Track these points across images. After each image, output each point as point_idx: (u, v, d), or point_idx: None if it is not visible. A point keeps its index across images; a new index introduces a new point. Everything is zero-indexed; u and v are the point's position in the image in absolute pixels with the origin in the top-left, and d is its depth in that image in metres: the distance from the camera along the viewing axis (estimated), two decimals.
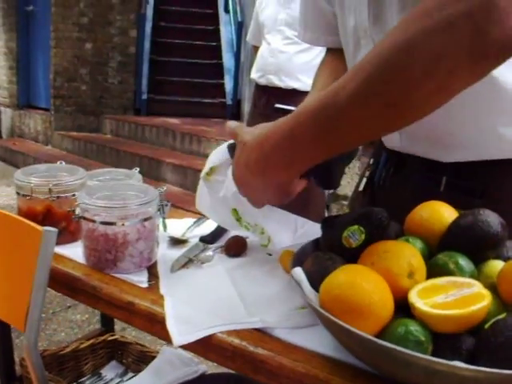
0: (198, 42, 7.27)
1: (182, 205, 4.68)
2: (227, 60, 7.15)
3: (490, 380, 0.65)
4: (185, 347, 0.91)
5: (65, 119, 6.76)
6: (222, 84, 7.01)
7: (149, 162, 5.25)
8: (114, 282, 1.07)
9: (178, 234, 1.32)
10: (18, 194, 1.26)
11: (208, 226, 1.35)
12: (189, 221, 1.42)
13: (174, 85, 6.92)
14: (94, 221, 1.09)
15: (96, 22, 6.54)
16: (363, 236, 0.85)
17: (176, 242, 1.29)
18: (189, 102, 6.81)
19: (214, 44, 7.33)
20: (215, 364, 0.94)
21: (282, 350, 0.85)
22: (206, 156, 4.56)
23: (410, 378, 0.72)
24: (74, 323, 3.18)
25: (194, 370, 1.57)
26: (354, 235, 0.85)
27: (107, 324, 1.86)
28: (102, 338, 1.76)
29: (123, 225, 1.09)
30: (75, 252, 1.18)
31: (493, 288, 0.82)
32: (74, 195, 1.24)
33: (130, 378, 1.70)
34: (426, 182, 1.08)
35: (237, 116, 6.73)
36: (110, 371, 1.75)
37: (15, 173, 1.28)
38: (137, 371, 1.72)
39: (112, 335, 1.79)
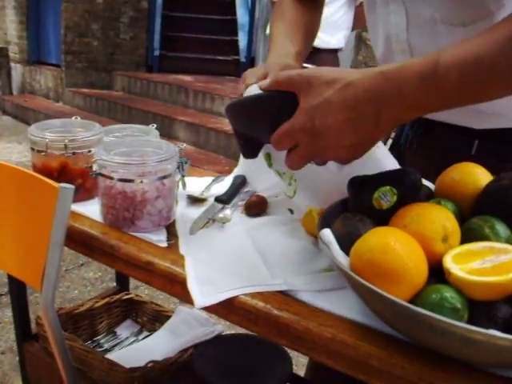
0: None
1: (195, 163, 4.66)
2: (241, 16, 7.01)
3: None
4: (206, 309, 0.88)
5: (76, 75, 6.69)
6: (236, 41, 6.89)
7: (161, 119, 5.20)
8: (133, 241, 1.04)
9: (196, 192, 1.29)
10: (32, 149, 1.23)
11: (225, 186, 1.32)
12: (207, 179, 1.39)
13: (186, 41, 6.82)
14: (111, 178, 1.06)
15: None
16: (395, 197, 0.81)
17: (194, 200, 1.26)
18: (202, 59, 6.72)
19: None
20: (231, 324, 0.92)
21: (307, 314, 0.82)
22: (219, 114, 4.54)
23: (444, 346, 0.69)
24: (87, 281, 3.19)
25: (210, 330, 1.55)
26: (385, 196, 0.81)
27: (122, 282, 1.85)
28: (117, 296, 1.75)
29: (142, 182, 1.05)
30: (92, 210, 1.15)
31: None
32: (89, 151, 1.21)
33: (144, 337, 1.69)
34: (457, 143, 1.04)
35: None
36: (124, 330, 1.75)
37: (29, 128, 1.24)
38: (151, 330, 1.71)
39: (127, 294, 1.77)
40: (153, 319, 1.74)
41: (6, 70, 7.63)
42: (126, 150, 1.12)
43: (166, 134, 5.04)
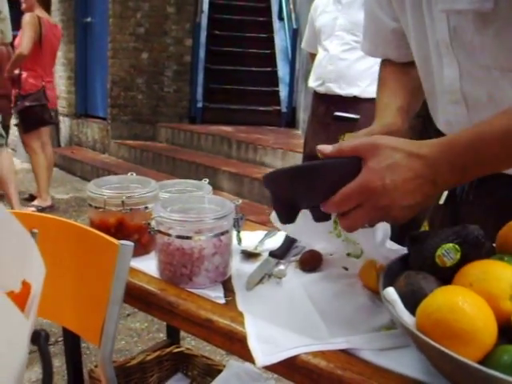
0: (251, 50, 7.28)
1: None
2: (281, 68, 7.13)
3: None
4: (268, 368, 0.88)
5: (121, 128, 6.85)
6: (277, 92, 6.99)
7: (205, 170, 5.26)
8: (191, 297, 1.05)
9: (250, 247, 1.29)
10: (90, 205, 1.26)
11: (277, 240, 1.32)
12: (260, 233, 1.40)
13: (228, 93, 6.94)
14: (169, 234, 1.08)
15: (152, 32, 6.62)
16: (459, 255, 0.80)
17: (249, 255, 1.26)
18: (243, 110, 6.81)
19: (268, 52, 7.32)
20: (282, 378, 0.91)
21: (371, 374, 0.81)
22: (262, 164, 4.58)
23: None
24: (134, 331, 3.19)
25: None
26: (448, 254, 0.81)
27: (172, 335, 1.85)
28: (168, 349, 1.75)
29: (199, 239, 1.07)
30: (149, 265, 1.17)
31: None
32: (146, 207, 1.23)
33: None
34: None
35: (292, 124, 6.70)
36: (175, 383, 1.74)
37: (88, 184, 1.28)
38: None
39: (177, 347, 1.77)
40: (203, 373, 1.73)
41: (56, 122, 7.88)
42: (183, 207, 1.14)
43: (210, 184, 5.08)
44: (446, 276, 0.80)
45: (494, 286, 0.74)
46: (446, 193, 1.18)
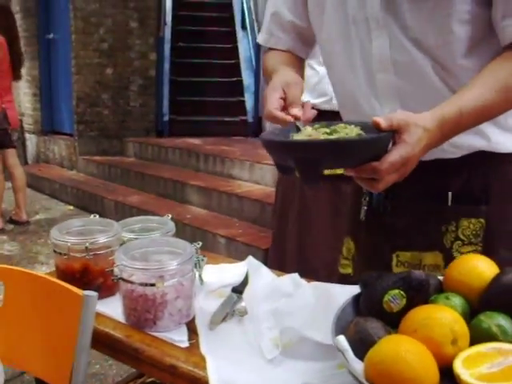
0: (216, 61, 7.31)
1: (209, 227, 4.70)
2: (246, 77, 7.17)
3: None
4: None
5: (88, 144, 6.82)
6: (243, 101, 7.02)
7: (173, 184, 5.27)
8: (155, 342, 1.08)
9: (213, 283, 1.33)
10: (54, 251, 1.28)
11: (240, 273, 1.36)
12: (223, 267, 1.43)
13: (194, 105, 6.95)
14: (132, 282, 1.11)
15: (116, 47, 6.60)
16: (404, 300, 0.85)
17: (212, 292, 1.30)
18: (210, 122, 6.84)
19: (233, 61, 7.36)
20: None
21: None
22: (229, 176, 4.55)
23: None
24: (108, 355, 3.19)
25: None
26: (395, 299, 0.86)
27: None
28: (141, 380, 1.77)
29: (162, 284, 1.10)
30: (115, 308, 1.20)
31: None
32: (109, 251, 1.26)
33: None
34: (430, 202, 1.22)
35: (258, 133, 6.73)
36: None
37: (51, 231, 1.30)
38: None
39: (149, 377, 1.79)
40: None
41: (21, 140, 7.80)
42: (145, 252, 1.17)
43: (179, 198, 5.11)
44: (394, 321, 0.85)
45: (436, 332, 0.79)
46: (364, 208, 1.32)
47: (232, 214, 4.66)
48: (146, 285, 1.10)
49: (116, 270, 1.14)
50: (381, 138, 0.99)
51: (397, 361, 0.74)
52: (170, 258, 1.13)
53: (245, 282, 1.31)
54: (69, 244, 1.24)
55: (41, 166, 7.55)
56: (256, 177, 5.06)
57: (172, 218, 1.46)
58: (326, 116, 3.36)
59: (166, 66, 7.01)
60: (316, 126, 1.09)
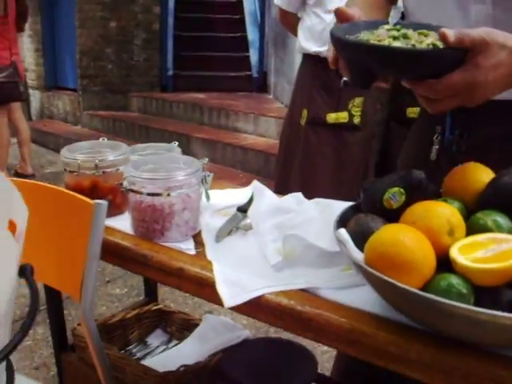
0: (221, 16, 7.26)
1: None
2: (251, 32, 7.13)
3: None
4: (235, 309, 0.96)
5: (93, 99, 6.83)
6: (247, 57, 7.00)
7: (178, 137, 5.30)
8: (163, 250, 1.12)
9: (219, 203, 1.37)
10: (65, 170, 1.32)
11: (245, 195, 1.40)
12: (229, 191, 1.47)
13: (199, 60, 6.94)
14: (141, 192, 1.14)
15: (119, 0, 6.57)
16: (403, 197, 0.89)
17: (218, 211, 1.34)
18: (214, 77, 6.83)
19: (238, 17, 7.31)
20: (257, 329, 0.99)
21: (328, 308, 0.90)
22: (234, 129, 4.58)
23: (452, 329, 0.76)
24: (114, 297, 3.27)
25: (237, 335, 1.62)
26: (394, 197, 0.89)
27: (150, 294, 1.93)
28: (147, 307, 1.83)
29: (169, 195, 1.14)
30: (123, 224, 1.24)
31: None
32: (118, 170, 1.30)
33: (174, 345, 1.77)
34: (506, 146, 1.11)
35: (263, 88, 6.73)
36: (155, 339, 1.82)
37: (61, 150, 1.33)
38: (181, 339, 1.78)
39: (156, 305, 1.85)
40: (182, 328, 1.81)
41: (25, 96, 7.81)
42: (153, 167, 1.21)
43: (184, 151, 5.11)
44: (393, 217, 0.88)
45: (433, 222, 0.82)
46: (436, 147, 1.22)
47: (236, 165, 4.70)
48: (154, 195, 1.13)
49: (125, 183, 1.17)
50: (437, 53, 0.87)
51: (396, 244, 0.77)
52: (177, 171, 1.17)
53: (250, 202, 1.35)
54: (79, 161, 1.28)
55: (45, 121, 7.57)
56: (261, 129, 5.08)
57: (182, 150, 1.49)
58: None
59: (170, 20, 6.97)
60: (387, 27, 0.97)
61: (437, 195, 0.98)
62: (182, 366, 1.45)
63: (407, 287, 0.73)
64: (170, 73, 6.88)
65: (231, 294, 0.96)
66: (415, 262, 0.77)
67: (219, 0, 7.37)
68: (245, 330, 1.66)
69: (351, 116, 3.10)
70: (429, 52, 0.87)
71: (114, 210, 1.30)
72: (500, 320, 0.70)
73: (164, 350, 1.77)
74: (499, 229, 0.85)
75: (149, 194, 1.14)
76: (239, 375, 1.45)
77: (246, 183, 1.65)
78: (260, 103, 5.83)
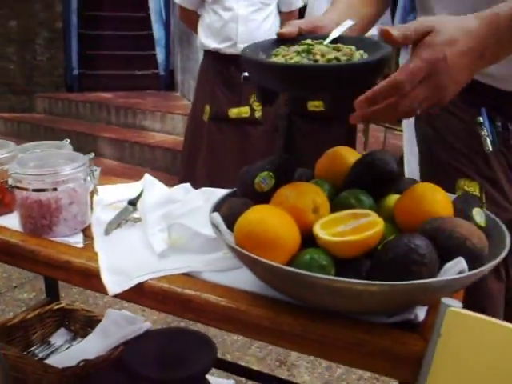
0: (126, 14, 7.18)
1: (122, 178, 4.70)
2: (157, 30, 7.09)
3: (382, 292, 0.76)
4: (120, 296, 0.99)
5: None
6: (154, 55, 6.96)
7: (85, 138, 5.23)
8: (51, 245, 1.14)
9: (111, 198, 1.38)
10: None
11: (137, 190, 1.42)
12: (121, 185, 1.49)
13: (105, 58, 6.84)
14: (26, 189, 1.15)
15: None
16: (273, 181, 0.94)
17: (109, 205, 1.36)
18: (121, 75, 6.76)
19: (143, 15, 7.25)
20: (158, 320, 1.02)
21: (207, 290, 0.94)
22: (142, 128, 4.56)
23: (316, 299, 0.82)
24: (22, 302, 3.20)
25: (138, 327, 1.65)
26: (264, 180, 0.94)
27: (52, 294, 1.92)
28: (48, 307, 1.82)
29: (55, 190, 1.15)
30: (12, 222, 1.23)
31: (392, 219, 0.93)
32: (3, 168, 1.29)
33: (78, 343, 1.77)
34: None
35: (171, 86, 6.72)
36: (58, 338, 1.82)
37: None
38: (85, 336, 1.79)
39: (58, 304, 1.85)
40: (85, 325, 1.82)
41: None
42: (38, 163, 1.21)
43: (91, 151, 5.05)
44: (265, 200, 0.94)
45: (299, 201, 0.88)
46: (489, 139, 1.19)
47: (145, 164, 4.69)
48: (40, 190, 1.14)
49: (10, 180, 1.17)
50: (314, 68, 0.87)
51: (261, 223, 0.82)
52: (63, 165, 1.18)
53: (140, 196, 1.37)
54: None
55: None
56: (168, 127, 5.09)
57: (76, 148, 1.49)
58: (231, 61, 3.40)
59: (74, 18, 6.83)
60: (309, 41, 0.96)
61: (309, 178, 1.05)
62: (82, 361, 1.46)
63: (271, 262, 0.79)
64: (76, 72, 6.75)
65: (115, 281, 0.99)
66: (279, 239, 0.82)
67: None
68: (146, 322, 1.69)
69: (253, 110, 3.17)
70: (305, 66, 0.87)
71: (3, 209, 1.29)
72: (355, 286, 0.76)
73: (68, 347, 1.77)
74: (361, 205, 0.92)
75: (34, 190, 1.15)
76: (140, 366, 1.48)
77: None
78: (167, 101, 5.83)
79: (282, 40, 0.99)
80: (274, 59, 0.93)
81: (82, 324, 1.83)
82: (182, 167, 3.45)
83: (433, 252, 0.77)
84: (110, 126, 5.54)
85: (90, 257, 1.07)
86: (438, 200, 0.89)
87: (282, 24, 3.31)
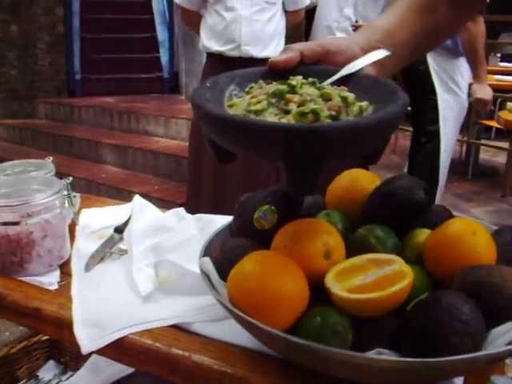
0: (129, 16, 7.03)
1: (124, 185, 4.56)
2: (161, 32, 6.95)
3: (414, 369, 0.60)
4: (96, 353, 0.83)
5: None
6: (158, 58, 6.82)
7: (87, 144, 5.07)
8: (21, 287, 0.98)
9: (95, 224, 1.23)
10: None
11: (125, 214, 1.27)
12: (108, 209, 1.33)
13: (108, 62, 6.69)
14: None
15: (19, 2, 6.25)
16: (276, 216, 0.78)
17: (93, 233, 1.20)
18: (125, 79, 6.61)
19: (147, 17, 7.10)
20: None
21: (198, 348, 0.78)
22: (145, 133, 4.42)
23: (330, 371, 0.66)
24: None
25: None
26: (265, 216, 0.78)
27: None
28: (35, 338, 1.66)
29: (25, 224, 0.99)
30: None
31: (420, 259, 0.77)
32: None
33: (68, 378, 1.62)
34: None
35: (175, 89, 6.57)
36: (47, 372, 1.67)
37: None
38: (76, 369, 1.63)
39: (44, 335, 1.69)
40: (75, 357, 1.66)
41: None
42: (7, 192, 1.06)
43: (93, 158, 4.93)
44: (266, 239, 0.77)
45: (307, 245, 0.72)
46: None
47: (147, 170, 4.54)
48: (8, 224, 0.99)
49: None
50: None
51: (260, 277, 0.66)
52: (34, 194, 1.02)
53: (128, 222, 1.22)
54: None
55: None
56: (171, 132, 4.94)
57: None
58: (235, 64, 3.26)
59: (76, 22, 6.69)
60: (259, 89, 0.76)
61: (319, 208, 0.89)
62: None
63: (272, 329, 0.62)
64: (78, 77, 6.61)
65: (90, 336, 0.83)
66: (282, 298, 0.66)
67: (127, 0, 7.14)
68: None
69: None
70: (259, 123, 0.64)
71: None
72: (379, 364, 0.60)
73: (58, 382, 1.62)
74: (383, 246, 0.76)
75: (1, 224, 0.99)
76: None
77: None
78: (171, 104, 5.67)
79: (275, 71, 0.78)
80: (229, 103, 0.72)
81: (73, 356, 1.67)
82: (188, 174, 3.34)
83: (478, 317, 0.60)
84: (112, 132, 5.38)
85: (63, 304, 0.92)
86: (478, 241, 0.72)
87: (287, 25, 3.17)
